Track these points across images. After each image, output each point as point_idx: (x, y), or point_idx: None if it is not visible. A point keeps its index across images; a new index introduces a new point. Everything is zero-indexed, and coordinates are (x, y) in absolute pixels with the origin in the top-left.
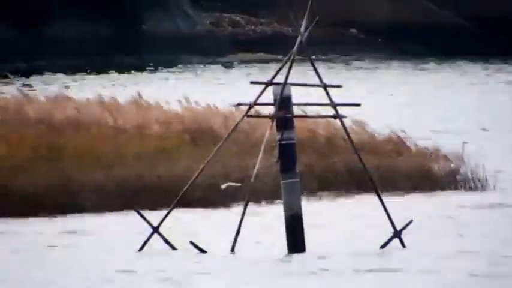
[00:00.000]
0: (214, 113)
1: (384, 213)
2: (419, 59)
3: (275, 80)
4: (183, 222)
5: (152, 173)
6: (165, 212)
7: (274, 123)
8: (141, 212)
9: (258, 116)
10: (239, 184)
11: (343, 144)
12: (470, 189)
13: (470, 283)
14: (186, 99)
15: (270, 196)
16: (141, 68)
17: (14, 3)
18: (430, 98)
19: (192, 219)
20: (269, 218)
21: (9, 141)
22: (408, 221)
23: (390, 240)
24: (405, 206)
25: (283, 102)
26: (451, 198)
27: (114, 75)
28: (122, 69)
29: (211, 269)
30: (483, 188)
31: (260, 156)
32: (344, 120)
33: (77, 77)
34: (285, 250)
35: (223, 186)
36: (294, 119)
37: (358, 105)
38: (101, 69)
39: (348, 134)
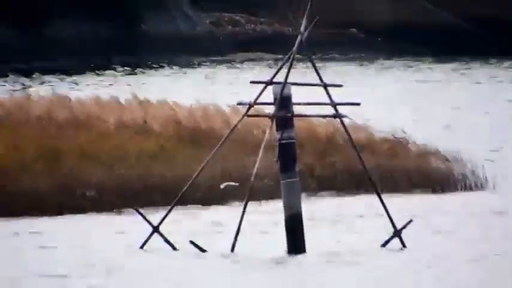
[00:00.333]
0: (213, 113)
1: (384, 213)
2: (419, 59)
3: (275, 80)
4: (183, 221)
5: (152, 173)
6: (165, 211)
7: (274, 122)
8: (141, 211)
9: (258, 115)
10: (237, 184)
11: (342, 143)
12: (470, 189)
13: (470, 282)
14: (184, 101)
15: (269, 195)
16: (141, 68)
17: (14, 4)
18: (430, 97)
19: (192, 218)
20: (269, 217)
21: (9, 141)
22: (408, 220)
23: (390, 239)
24: (405, 205)
25: (283, 102)
26: (451, 198)
27: (113, 75)
28: (122, 69)
29: (211, 269)
30: (482, 187)
31: (260, 155)
32: (344, 119)
33: (77, 77)
34: (285, 249)
35: (222, 186)
36: (294, 118)
37: (358, 104)
38: (100, 69)
39: (348, 133)
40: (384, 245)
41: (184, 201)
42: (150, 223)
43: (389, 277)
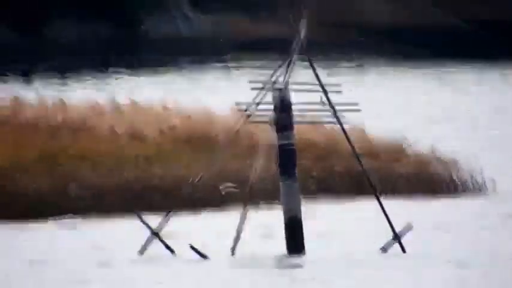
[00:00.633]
0: (212, 116)
1: (384, 217)
2: (419, 60)
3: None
4: (183, 225)
5: (151, 177)
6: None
7: (274, 125)
8: (141, 215)
9: (258, 121)
10: (236, 187)
11: (342, 147)
12: (469, 192)
13: (469, 284)
14: (184, 103)
15: (269, 199)
16: (140, 70)
17: (14, 5)
18: (431, 99)
19: (192, 222)
20: (269, 220)
21: (8, 144)
22: (407, 224)
23: (390, 243)
24: (404, 209)
25: (283, 105)
26: (450, 202)
27: (113, 76)
28: (122, 71)
29: (211, 272)
30: (481, 191)
31: (260, 159)
32: (343, 123)
33: (77, 78)
34: (285, 252)
35: (222, 189)
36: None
37: (358, 110)
38: (100, 71)
39: (347, 137)
40: (384, 249)
41: (184, 205)
42: (149, 227)
43: (388, 280)
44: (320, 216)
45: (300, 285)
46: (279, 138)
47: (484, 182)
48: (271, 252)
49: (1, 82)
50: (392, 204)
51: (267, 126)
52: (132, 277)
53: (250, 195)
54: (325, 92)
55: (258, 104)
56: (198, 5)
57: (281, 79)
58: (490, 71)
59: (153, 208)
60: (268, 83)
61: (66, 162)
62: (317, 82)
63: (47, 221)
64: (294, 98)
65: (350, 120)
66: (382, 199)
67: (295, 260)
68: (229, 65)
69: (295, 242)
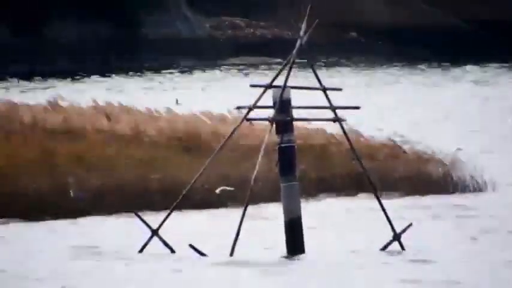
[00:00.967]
0: (212, 116)
1: (383, 216)
2: (419, 61)
3: (275, 83)
4: (183, 225)
5: (151, 177)
6: (164, 214)
7: (274, 126)
8: (140, 214)
9: (258, 119)
10: (232, 188)
11: (342, 147)
12: (469, 191)
13: (469, 283)
14: (183, 104)
15: (269, 199)
16: (140, 71)
17: (14, 5)
18: (431, 100)
19: (192, 222)
20: (268, 220)
21: (6, 145)
22: (408, 224)
23: (390, 243)
24: (404, 209)
25: (283, 105)
26: (450, 201)
27: (113, 78)
28: (121, 72)
29: (210, 272)
30: (481, 190)
31: (259, 159)
32: (343, 123)
33: (76, 79)
34: (285, 253)
35: (217, 191)
36: (294, 122)
37: (357, 108)
38: (99, 72)
39: (347, 137)
40: (384, 248)
41: (183, 204)
42: (149, 226)
43: (388, 280)
44: (320, 216)
45: (299, 285)
46: (279, 139)
47: (485, 182)
48: (271, 252)
49: (0, 82)
50: (392, 203)
51: (267, 127)
52: (132, 276)
53: (250, 196)
54: (325, 92)
55: (257, 104)
56: (198, 5)
57: (281, 79)
58: (490, 71)
59: (152, 207)
60: (268, 83)
61: (65, 163)
62: (317, 82)
63: (46, 221)
64: (294, 98)
65: (350, 120)
66: (382, 198)
67: (295, 260)
68: (229, 65)
69: (295, 242)
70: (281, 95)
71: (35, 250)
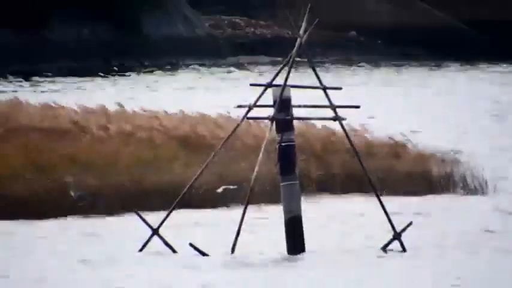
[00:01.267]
0: (212, 117)
1: (383, 215)
2: (419, 61)
3: (275, 82)
4: (183, 223)
5: (151, 176)
6: (164, 213)
7: (274, 125)
8: (141, 213)
9: (258, 117)
10: (235, 186)
11: (342, 146)
12: (470, 191)
13: (469, 283)
14: (183, 104)
15: (269, 198)
16: (140, 71)
17: (14, 6)
18: (431, 100)
19: (192, 221)
20: (269, 219)
21: (6, 145)
22: (408, 223)
23: (390, 242)
24: (404, 208)
25: (283, 104)
26: (450, 201)
27: (113, 78)
28: (121, 72)
29: (211, 271)
30: (482, 190)
31: (260, 158)
32: (343, 122)
33: (77, 79)
34: (285, 252)
35: (219, 190)
36: (294, 121)
37: (357, 107)
38: (100, 72)
39: (347, 136)
40: (384, 248)
41: (184, 203)
42: (149, 225)
43: (389, 280)
44: (320, 216)
45: (299, 285)
46: (279, 138)
47: (486, 182)
48: (271, 252)
49: (0, 82)
50: (392, 203)
51: (267, 126)
52: (132, 275)
53: (250, 195)
54: (325, 91)
55: (257, 104)
56: (198, 5)
57: (281, 78)
58: (490, 71)
59: (153, 207)
60: (268, 82)
61: (64, 163)
62: (317, 81)
63: (47, 221)
64: (294, 97)
65: (350, 119)
66: (382, 198)
67: (295, 259)
68: (230, 65)
69: (295, 241)
70: (281, 93)
71: (31, 251)
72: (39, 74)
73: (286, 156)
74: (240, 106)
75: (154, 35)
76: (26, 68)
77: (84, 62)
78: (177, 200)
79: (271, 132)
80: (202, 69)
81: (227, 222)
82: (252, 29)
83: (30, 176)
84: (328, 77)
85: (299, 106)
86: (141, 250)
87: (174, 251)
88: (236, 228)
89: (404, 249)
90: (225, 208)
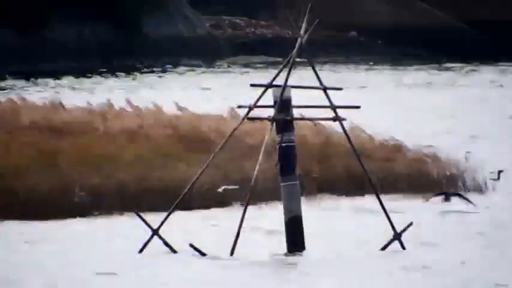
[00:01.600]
0: (212, 117)
1: (384, 216)
2: (419, 61)
3: (275, 83)
4: (183, 224)
5: (152, 176)
6: (164, 214)
7: (274, 125)
8: (141, 214)
9: (258, 118)
10: (236, 186)
11: (342, 147)
12: (470, 192)
13: (469, 283)
14: (183, 104)
15: (269, 198)
16: (140, 71)
17: (14, 6)
18: (431, 100)
19: (192, 221)
20: (269, 220)
21: (5, 146)
22: (408, 223)
23: (390, 242)
24: (405, 208)
25: (283, 105)
26: (450, 201)
27: (113, 78)
28: (122, 72)
29: (210, 272)
30: (482, 191)
31: (260, 158)
32: (343, 122)
33: (77, 80)
34: (285, 252)
35: (220, 190)
36: (294, 121)
37: (358, 107)
38: (100, 72)
39: (347, 136)
40: (384, 248)
41: (184, 203)
42: (149, 226)
43: (389, 280)
44: (320, 216)
45: (299, 285)
46: (280, 138)
47: (485, 182)
48: (271, 252)
49: (0, 83)
50: (392, 203)
51: (268, 126)
52: (132, 275)
53: (250, 195)
54: (326, 91)
55: (258, 104)
56: (198, 5)
57: (281, 79)
58: (490, 71)
59: (153, 207)
60: (268, 82)
61: (65, 163)
62: (317, 81)
63: (47, 222)
64: (294, 97)
65: (350, 119)
66: (382, 198)
67: (296, 259)
68: (230, 65)
69: (295, 241)
70: (281, 94)
71: (31, 249)
72: (39, 74)
73: (286, 157)
74: (240, 106)
75: (155, 35)
76: (26, 68)
77: (84, 62)
78: (177, 200)
79: (271, 133)
80: (203, 69)
81: (227, 222)
82: (253, 29)
83: (31, 175)
84: (328, 77)
85: (299, 106)
86: (141, 251)
87: (174, 251)
88: (236, 229)
89: (404, 249)
90: (226, 208)
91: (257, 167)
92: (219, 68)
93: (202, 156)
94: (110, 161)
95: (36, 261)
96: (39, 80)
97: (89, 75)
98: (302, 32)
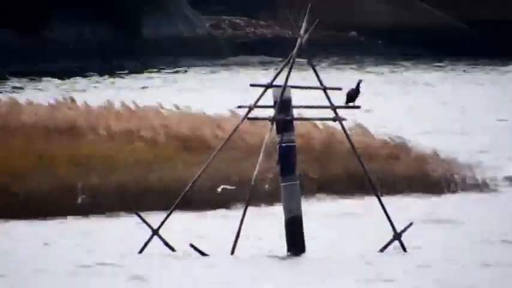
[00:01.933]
0: (212, 117)
1: (384, 215)
2: (419, 61)
3: (275, 83)
4: (183, 224)
5: (151, 176)
6: (164, 214)
7: (274, 125)
8: (141, 214)
9: (258, 118)
10: (233, 187)
11: (342, 147)
12: (470, 190)
13: (469, 283)
14: (183, 104)
15: (270, 198)
16: (140, 71)
17: (14, 6)
18: (430, 100)
19: (192, 221)
20: (269, 220)
21: (5, 146)
22: (408, 223)
23: (390, 242)
24: (405, 208)
25: (283, 105)
26: (451, 200)
27: (113, 78)
28: (122, 72)
29: (211, 272)
30: (481, 189)
31: (260, 158)
32: (344, 122)
33: (77, 80)
34: (285, 252)
35: (218, 190)
36: (294, 121)
37: (358, 107)
38: (100, 72)
39: (348, 136)
40: (384, 248)
41: (184, 203)
42: (149, 226)
43: (389, 280)
44: (321, 216)
45: (299, 285)
46: (280, 138)
47: (485, 181)
48: (271, 252)
49: (0, 83)
50: (392, 203)
51: (268, 126)
52: (132, 275)
53: (250, 195)
54: (326, 91)
55: (258, 104)
56: (198, 5)
57: (281, 79)
58: (490, 71)
59: (153, 207)
60: (268, 82)
61: (65, 163)
62: (317, 81)
63: (46, 221)
64: (294, 97)
65: (350, 119)
66: (382, 198)
67: (296, 259)
68: (230, 65)
69: (295, 241)
70: (281, 94)
71: (31, 249)
72: (39, 74)
73: (286, 157)
74: (240, 107)
75: (155, 35)
76: (26, 68)
77: (84, 62)
78: (177, 200)
79: (271, 133)
80: (203, 69)
81: (227, 222)
82: (253, 29)
83: (31, 175)
84: (328, 77)
85: (299, 107)
86: (141, 251)
87: (174, 251)
88: (236, 229)
89: (404, 250)
90: (226, 208)
91: (257, 167)
92: (219, 68)
93: (202, 156)
94: (110, 161)
95: (37, 262)
96: (39, 80)
97: (89, 75)
98: (302, 32)
